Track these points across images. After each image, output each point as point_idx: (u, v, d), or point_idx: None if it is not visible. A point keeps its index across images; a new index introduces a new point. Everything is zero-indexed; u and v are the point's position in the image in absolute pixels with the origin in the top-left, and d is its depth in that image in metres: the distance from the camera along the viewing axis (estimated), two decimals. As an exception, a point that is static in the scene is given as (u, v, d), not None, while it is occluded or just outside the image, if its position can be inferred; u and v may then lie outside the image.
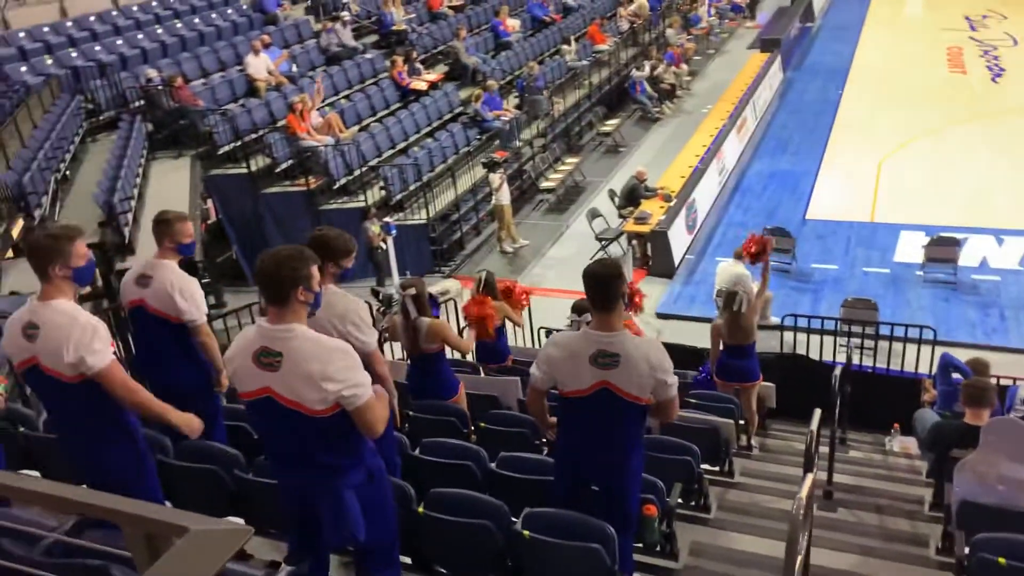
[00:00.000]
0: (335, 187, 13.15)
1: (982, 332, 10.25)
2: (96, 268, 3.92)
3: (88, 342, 3.39)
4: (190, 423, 3.83)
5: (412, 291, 5.43)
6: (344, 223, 12.18)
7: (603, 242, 12.94)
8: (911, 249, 12.16)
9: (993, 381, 6.68)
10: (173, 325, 4.49)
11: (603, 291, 3.56)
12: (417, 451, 4.71)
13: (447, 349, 5.62)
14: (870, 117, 18.08)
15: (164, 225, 4.53)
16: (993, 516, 4.47)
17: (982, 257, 11.91)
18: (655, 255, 12.57)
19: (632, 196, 13.56)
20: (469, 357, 7.07)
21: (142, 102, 13.01)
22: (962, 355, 7.26)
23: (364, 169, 13.38)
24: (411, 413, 5.37)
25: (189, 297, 4.47)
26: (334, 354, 3.05)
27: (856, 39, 24.25)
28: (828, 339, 9.11)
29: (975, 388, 5.55)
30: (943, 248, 11.42)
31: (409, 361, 5.69)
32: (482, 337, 6.28)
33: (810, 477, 3.67)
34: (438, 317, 5.81)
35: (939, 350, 7.85)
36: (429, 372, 5.51)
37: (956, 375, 6.80)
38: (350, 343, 3.26)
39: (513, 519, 3.85)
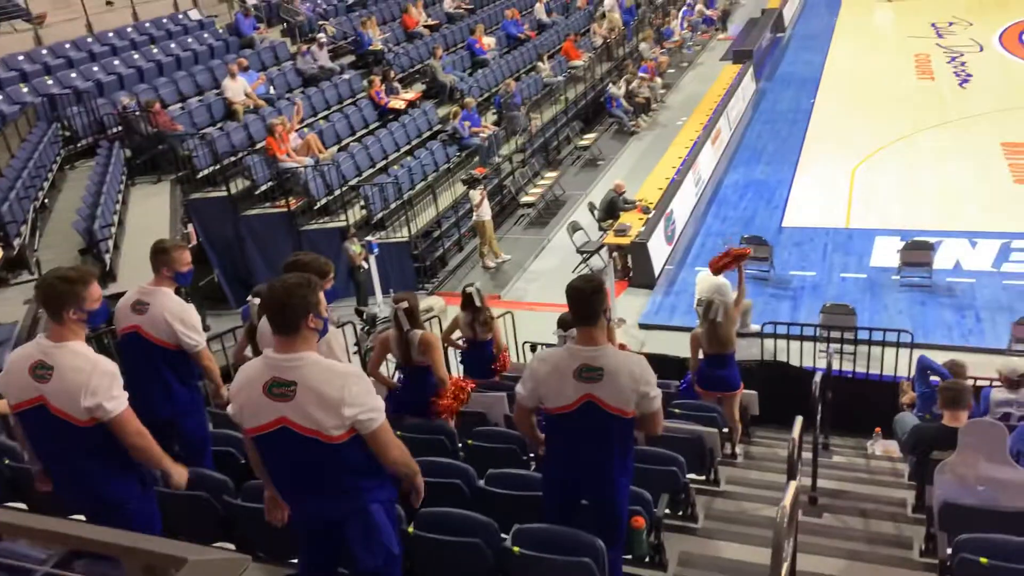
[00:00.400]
0: (316, 207, 13.17)
1: (958, 334, 10.42)
2: (108, 309, 3.96)
3: (107, 388, 3.41)
4: (180, 475, 3.80)
5: (405, 304, 5.51)
6: (325, 243, 12.26)
7: (584, 255, 13.05)
8: (886, 254, 12.34)
9: (970, 383, 6.79)
10: (169, 352, 4.53)
11: (586, 306, 3.62)
12: (406, 470, 4.73)
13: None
14: (842, 125, 18.35)
15: (163, 254, 4.56)
16: (974, 516, 4.56)
17: (956, 260, 12.11)
18: (635, 266, 12.69)
19: (611, 209, 13.68)
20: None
21: (120, 128, 12.99)
22: (939, 357, 7.39)
23: (344, 189, 13.42)
24: (399, 433, 5.39)
25: (189, 324, 4.53)
26: (349, 379, 3.06)
27: (826, 48, 24.61)
28: (808, 345, 9.23)
29: (952, 391, 5.67)
30: (918, 252, 11.60)
31: (402, 374, 5.77)
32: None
33: (793, 484, 3.75)
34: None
35: (917, 353, 7.97)
36: (421, 384, 5.57)
37: (934, 377, 6.92)
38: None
39: (503, 536, 3.89)
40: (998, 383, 6.83)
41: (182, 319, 4.49)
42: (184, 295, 5.35)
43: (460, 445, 5.39)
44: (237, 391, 3.17)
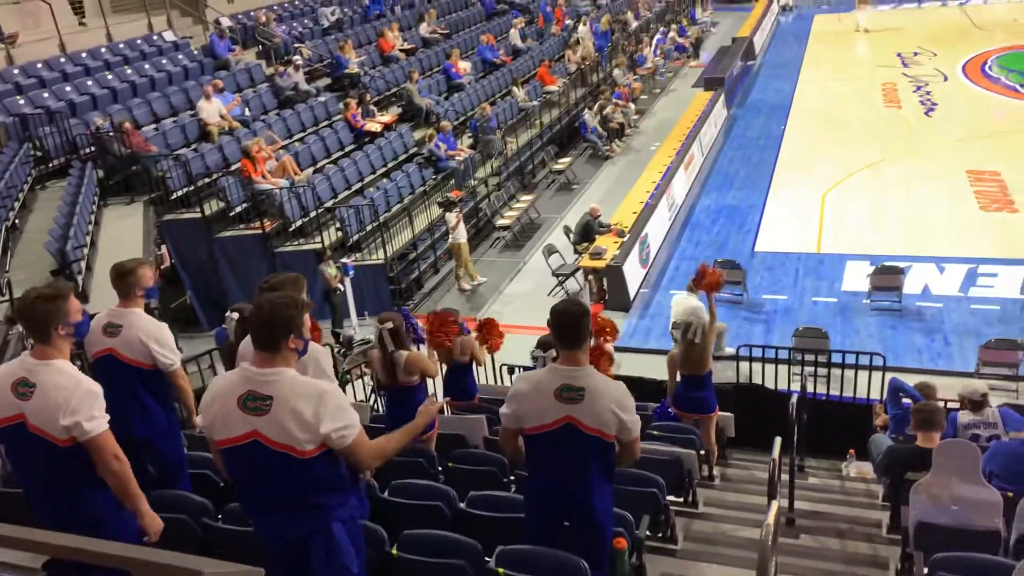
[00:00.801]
0: (290, 229, 13.13)
1: (928, 357, 10.59)
2: (89, 320, 3.96)
3: (88, 407, 3.40)
4: (154, 524, 3.70)
5: (389, 325, 5.51)
6: (300, 265, 12.20)
7: (560, 277, 13.11)
8: (857, 278, 12.54)
9: (941, 404, 6.90)
10: (144, 372, 4.50)
11: (572, 330, 3.64)
12: (386, 493, 4.72)
13: (428, 381, 5.71)
14: (812, 151, 18.68)
15: (129, 275, 4.53)
16: (948, 536, 4.63)
17: (925, 285, 12.33)
18: (611, 289, 12.77)
19: (586, 232, 13.78)
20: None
21: (93, 148, 12.88)
22: (910, 380, 7.52)
23: (320, 211, 13.40)
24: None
25: (165, 343, 4.51)
26: (325, 395, 3.09)
27: (796, 77, 25.09)
28: (782, 368, 9.33)
29: (925, 412, 5.78)
30: (887, 277, 11.80)
31: (387, 395, 5.75)
32: (439, 347, 6.24)
33: (775, 503, 3.78)
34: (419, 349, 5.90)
35: (889, 376, 8.10)
36: (407, 405, 5.56)
37: (906, 400, 7.02)
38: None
39: (486, 558, 3.88)
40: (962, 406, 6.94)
41: (157, 338, 4.47)
42: (157, 315, 5.32)
43: (440, 468, 5.38)
44: (210, 402, 3.18)
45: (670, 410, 7.26)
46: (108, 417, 3.49)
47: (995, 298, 11.81)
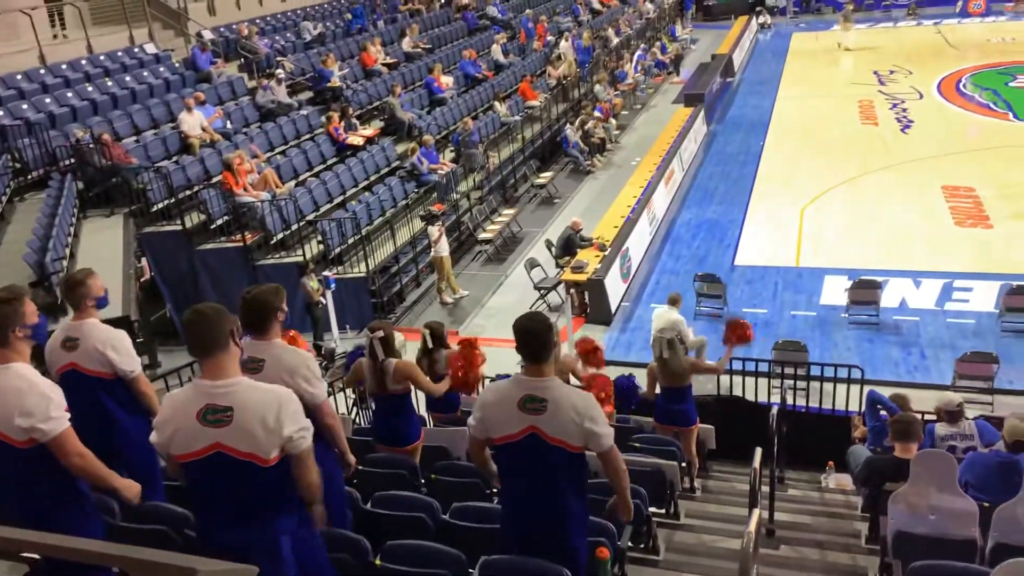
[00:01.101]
0: (272, 242, 13.10)
1: (905, 370, 10.72)
2: (46, 321, 3.98)
3: (44, 409, 3.40)
4: (131, 488, 3.81)
5: (380, 333, 5.59)
6: (281, 278, 12.11)
7: (542, 291, 13.16)
8: (835, 292, 12.68)
9: (917, 416, 6.99)
10: (109, 383, 4.48)
11: (534, 344, 3.62)
12: (369, 504, 4.71)
13: (413, 392, 5.73)
14: (791, 167, 18.90)
15: (80, 287, 4.51)
16: (926, 545, 4.69)
17: (901, 299, 12.49)
18: (592, 303, 12.83)
19: (568, 246, 13.85)
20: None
21: (72, 160, 12.80)
22: (888, 392, 7.61)
23: (301, 224, 13.38)
24: (361, 467, 5.37)
25: (123, 350, 4.49)
26: (283, 398, 3.14)
27: (774, 93, 25.39)
28: (762, 381, 9.41)
29: (903, 423, 5.86)
30: (865, 291, 11.94)
31: (374, 404, 5.78)
32: (461, 387, 6.10)
33: (756, 512, 3.82)
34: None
35: (867, 388, 8.18)
36: (395, 413, 5.59)
37: (883, 412, 7.11)
38: (300, 397, 3.33)
39: (470, 569, 3.88)
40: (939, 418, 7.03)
41: (114, 346, 4.45)
42: (136, 329, 5.31)
43: (424, 480, 5.39)
44: (165, 421, 3.18)
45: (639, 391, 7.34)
46: (68, 416, 3.50)
47: (970, 312, 11.98)
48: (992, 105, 21.94)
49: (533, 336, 3.63)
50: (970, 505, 4.81)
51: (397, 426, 5.65)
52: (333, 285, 12.08)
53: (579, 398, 3.62)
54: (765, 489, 6.16)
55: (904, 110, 22.24)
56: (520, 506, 3.80)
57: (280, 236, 13.13)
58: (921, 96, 23.41)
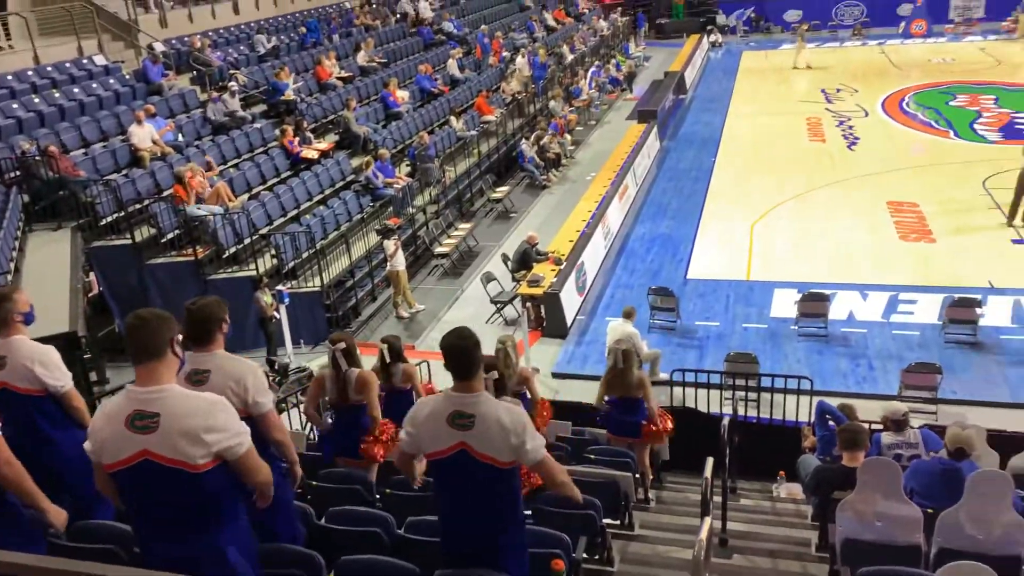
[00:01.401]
0: (224, 256, 12.93)
1: (853, 381, 10.95)
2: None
3: None
4: (58, 516, 3.72)
5: (343, 345, 5.70)
6: (233, 293, 12.01)
7: (498, 305, 13.19)
8: (785, 305, 12.92)
9: (865, 425, 7.15)
10: (40, 401, 4.39)
11: (462, 360, 3.61)
12: (323, 520, 4.67)
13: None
14: (741, 183, 19.24)
15: (6, 302, 4.40)
16: (873, 551, 4.80)
17: (849, 311, 12.77)
18: (548, 317, 12.89)
19: (524, 260, 13.92)
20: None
21: (18, 173, 12.51)
22: (836, 403, 7.76)
23: (255, 237, 13.24)
24: (315, 483, 5.33)
25: (51, 364, 4.40)
26: (213, 406, 3.10)
27: (725, 111, 25.87)
28: (715, 392, 9.55)
29: (850, 433, 5.99)
30: (813, 304, 12.19)
31: (335, 415, 5.80)
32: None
33: (708, 520, 3.87)
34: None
35: (816, 399, 8.34)
36: (355, 424, 5.59)
37: (832, 422, 7.26)
38: (247, 406, 3.31)
39: (426, 582, 3.87)
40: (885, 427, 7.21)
41: (42, 361, 4.36)
42: (84, 346, 5.23)
43: (378, 495, 5.36)
44: (98, 429, 3.15)
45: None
46: None
47: (915, 324, 12.29)
48: (934, 123, 22.62)
49: (460, 352, 3.61)
50: (915, 512, 4.94)
51: (356, 438, 5.67)
52: (287, 300, 11.96)
53: (506, 413, 3.58)
54: (718, 499, 6.25)
55: (850, 127, 22.81)
56: (452, 522, 3.79)
57: (233, 250, 12.97)
58: (867, 114, 24.05)
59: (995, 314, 12.11)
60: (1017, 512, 4.71)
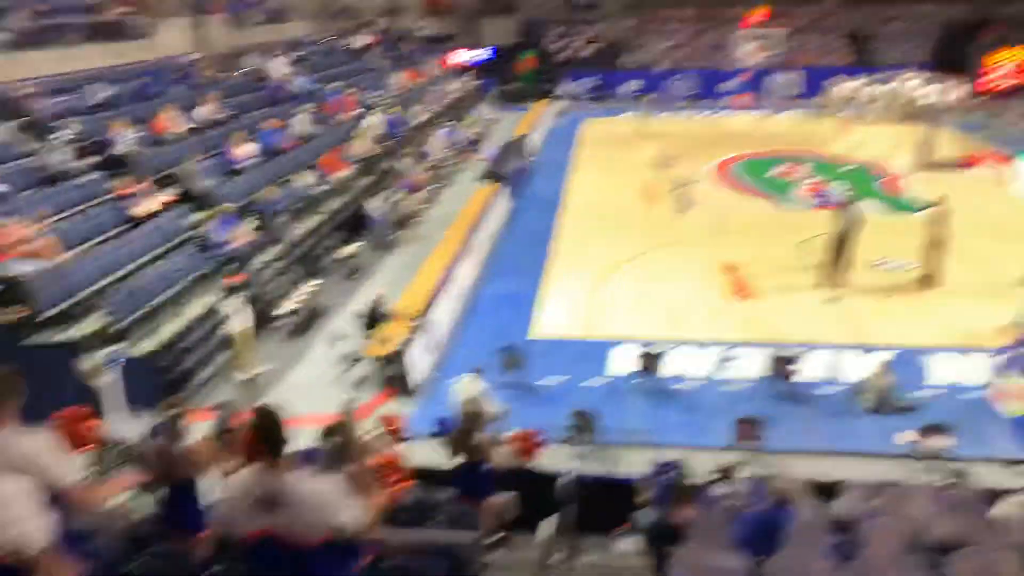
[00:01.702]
0: (42, 319, 11.97)
1: (689, 434, 11.47)
2: None
3: None
4: None
5: (174, 412, 5.55)
6: (53, 360, 11.09)
7: (346, 365, 12.98)
8: (624, 362, 13.46)
9: (697, 479, 7.54)
10: None
11: (267, 440, 3.60)
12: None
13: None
14: (583, 244, 20.01)
15: None
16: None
17: (684, 367, 13.45)
18: (398, 375, 12.81)
19: (374, 318, 13.81)
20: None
21: None
22: (674, 456, 8.15)
23: (83, 297, 12.43)
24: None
25: None
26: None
27: (568, 174, 26.98)
28: (555, 449, 9.74)
29: (681, 489, 6.30)
30: (651, 360, 12.79)
31: (166, 490, 5.50)
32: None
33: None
34: None
35: (654, 454, 8.71)
36: (186, 500, 5.32)
37: (666, 476, 7.60)
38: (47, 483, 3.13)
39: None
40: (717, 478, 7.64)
41: None
42: None
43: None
44: None
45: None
46: None
47: (742, 379, 13.10)
48: (759, 189, 24.48)
49: (264, 432, 3.59)
50: (742, 563, 5.24)
51: (188, 512, 5.37)
52: (120, 363, 11.27)
53: (312, 495, 3.55)
54: (559, 556, 6.36)
55: (684, 192, 24.22)
56: None
57: (53, 312, 12.06)
58: (699, 180, 25.66)
59: (812, 368, 13.07)
60: (827, 560, 5.10)
